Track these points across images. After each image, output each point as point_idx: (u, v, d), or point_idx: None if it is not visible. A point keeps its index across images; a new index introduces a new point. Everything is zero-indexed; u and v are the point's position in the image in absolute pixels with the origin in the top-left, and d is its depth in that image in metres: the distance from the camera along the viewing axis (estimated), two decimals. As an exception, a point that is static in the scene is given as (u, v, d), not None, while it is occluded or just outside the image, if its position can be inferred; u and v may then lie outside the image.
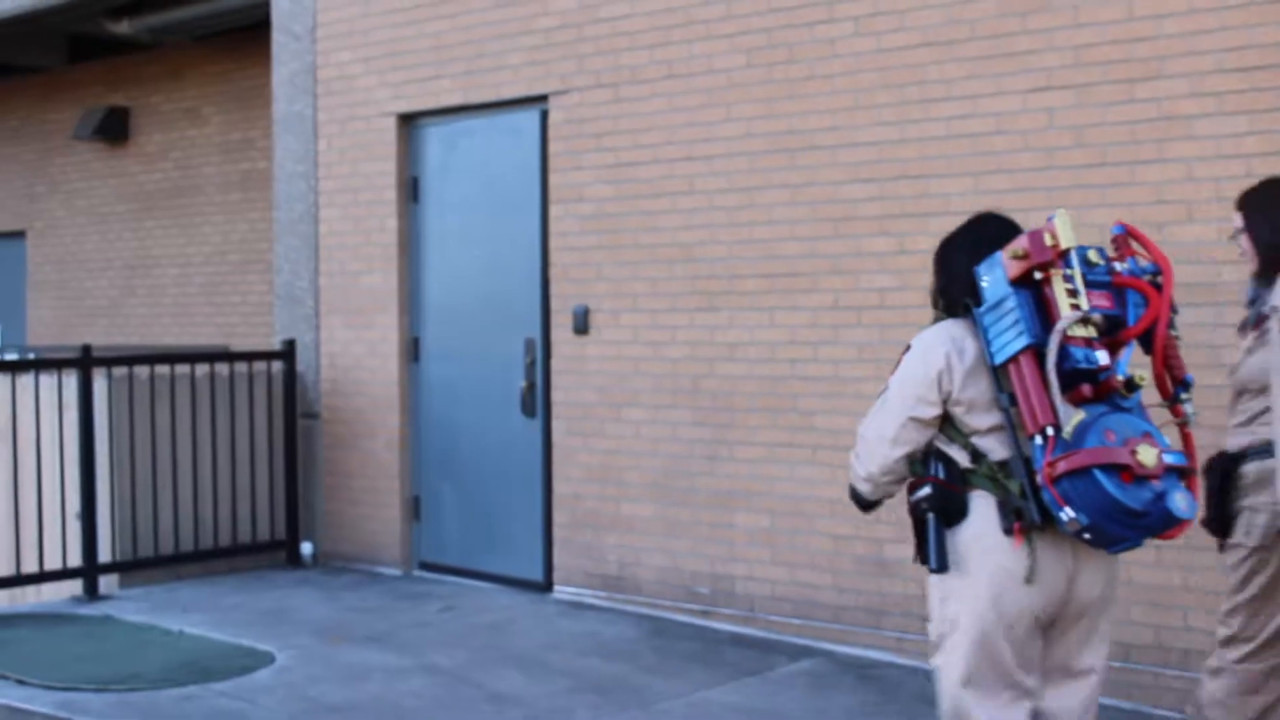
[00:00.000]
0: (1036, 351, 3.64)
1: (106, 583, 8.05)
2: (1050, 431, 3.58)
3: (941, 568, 3.78)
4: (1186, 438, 3.80)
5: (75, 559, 7.94)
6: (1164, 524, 3.58)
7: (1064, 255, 3.70)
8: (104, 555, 8.04)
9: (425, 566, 8.58)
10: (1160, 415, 3.77)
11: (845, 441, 6.64)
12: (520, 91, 7.91)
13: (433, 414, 8.59)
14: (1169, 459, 3.56)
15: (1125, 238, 3.89)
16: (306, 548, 8.93)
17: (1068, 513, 3.55)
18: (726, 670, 6.29)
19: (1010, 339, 3.69)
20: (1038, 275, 3.70)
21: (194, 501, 8.44)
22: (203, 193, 12.88)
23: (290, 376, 8.88)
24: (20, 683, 6.15)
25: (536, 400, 7.96)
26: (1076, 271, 3.71)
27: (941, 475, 3.82)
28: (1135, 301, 3.77)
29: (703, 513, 7.15)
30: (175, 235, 13.16)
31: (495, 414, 8.19)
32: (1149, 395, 3.75)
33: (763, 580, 6.96)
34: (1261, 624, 4.51)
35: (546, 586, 7.92)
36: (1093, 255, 3.77)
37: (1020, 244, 3.72)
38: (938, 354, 3.81)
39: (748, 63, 6.95)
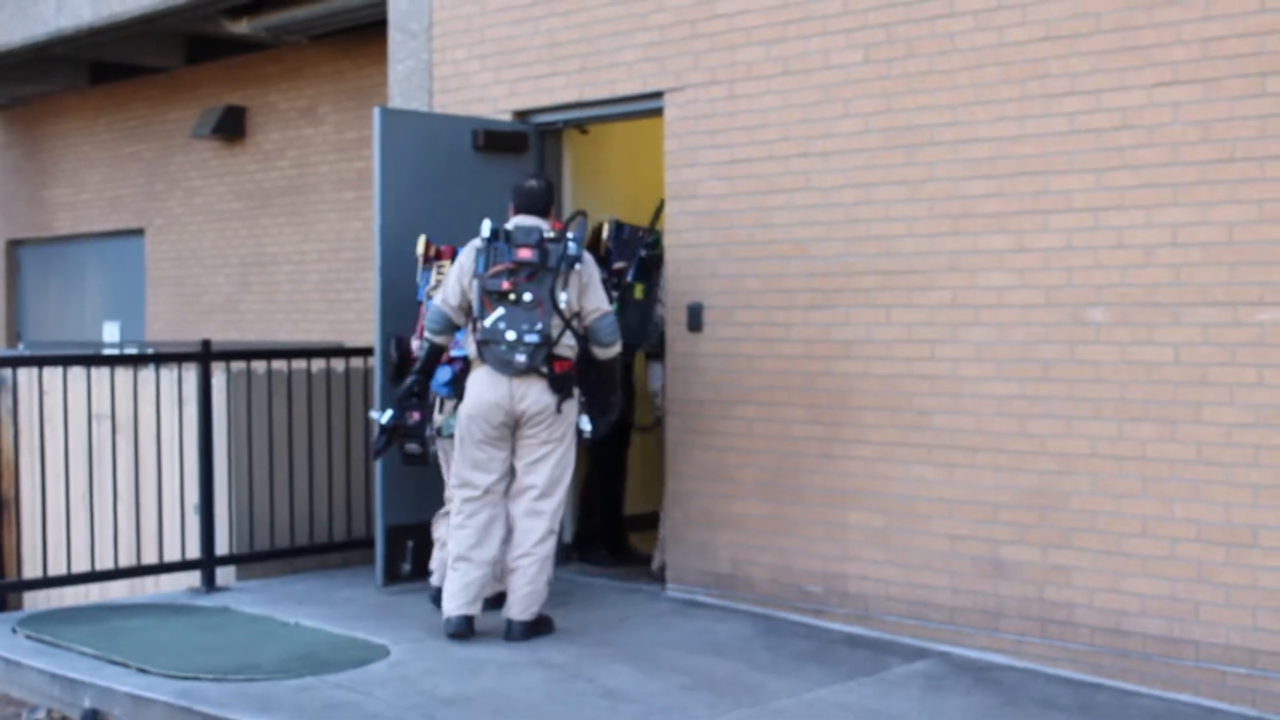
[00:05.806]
0: None
1: (223, 574, 8.16)
2: None
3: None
4: None
5: (193, 551, 8.06)
6: None
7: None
8: (221, 548, 8.15)
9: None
10: None
11: (962, 441, 6.61)
12: (635, 89, 7.90)
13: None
14: None
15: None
16: (419, 542, 8.99)
17: None
18: (840, 670, 6.24)
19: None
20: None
21: (309, 495, 8.53)
22: (317, 191, 13.03)
23: (403, 372, 8.94)
24: (142, 671, 6.25)
25: (648, 397, 8.02)
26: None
27: None
28: None
29: (815, 511, 7.09)
30: (290, 233, 13.32)
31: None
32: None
33: (876, 580, 6.90)
34: None
35: (660, 584, 7.91)
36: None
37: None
38: None
39: (865, 58, 6.89)
